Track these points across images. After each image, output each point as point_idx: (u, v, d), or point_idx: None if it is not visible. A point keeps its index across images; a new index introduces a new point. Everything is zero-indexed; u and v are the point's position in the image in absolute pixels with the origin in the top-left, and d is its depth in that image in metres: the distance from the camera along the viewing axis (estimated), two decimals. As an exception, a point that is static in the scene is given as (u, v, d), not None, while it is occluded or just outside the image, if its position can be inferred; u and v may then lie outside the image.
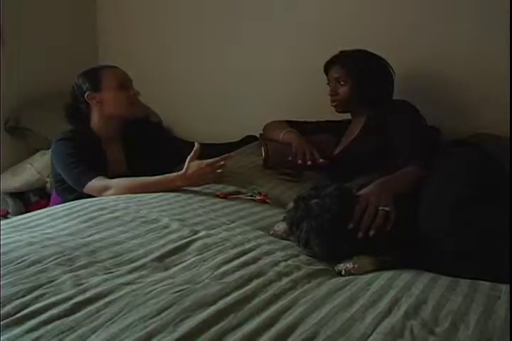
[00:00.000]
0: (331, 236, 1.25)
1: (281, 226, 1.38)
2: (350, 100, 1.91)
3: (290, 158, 1.87)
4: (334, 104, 1.96)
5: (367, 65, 1.90)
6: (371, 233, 1.26)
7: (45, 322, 0.86)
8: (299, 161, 1.85)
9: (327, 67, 1.98)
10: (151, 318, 0.88)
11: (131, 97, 1.85)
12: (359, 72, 1.88)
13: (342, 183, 1.42)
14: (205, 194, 1.69)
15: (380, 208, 1.30)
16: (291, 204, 1.38)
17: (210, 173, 1.69)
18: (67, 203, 1.53)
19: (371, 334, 0.88)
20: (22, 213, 1.78)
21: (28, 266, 1.06)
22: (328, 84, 1.99)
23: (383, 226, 1.28)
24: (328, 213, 1.25)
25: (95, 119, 1.88)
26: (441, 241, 1.27)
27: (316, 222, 1.25)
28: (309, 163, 1.84)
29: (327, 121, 2.12)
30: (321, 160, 1.85)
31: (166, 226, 1.35)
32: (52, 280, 1.01)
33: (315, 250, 1.25)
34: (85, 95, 1.84)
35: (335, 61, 1.95)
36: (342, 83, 1.90)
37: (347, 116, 2.06)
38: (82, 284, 1.00)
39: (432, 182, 1.44)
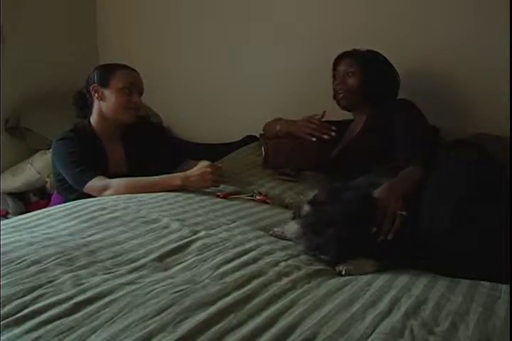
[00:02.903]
0: (351, 242, 1.23)
1: (291, 229, 1.37)
2: (357, 92, 1.93)
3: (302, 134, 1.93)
4: (340, 95, 1.96)
5: (376, 61, 1.94)
6: (390, 236, 1.26)
7: (45, 322, 0.86)
8: (313, 138, 1.91)
9: (337, 61, 2.01)
10: (151, 318, 0.88)
11: (130, 103, 1.84)
12: (368, 66, 1.92)
13: (358, 187, 1.39)
14: (205, 194, 1.69)
15: (398, 212, 1.31)
16: (306, 208, 1.35)
17: (210, 174, 1.69)
18: (67, 203, 1.53)
19: (371, 334, 0.88)
20: (22, 213, 1.78)
21: (28, 266, 1.06)
22: (333, 78, 2.01)
23: (401, 230, 1.28)
24: (349, 219, 1.24)
25: (94, 115, 1.89)
26: (441, 241, 1.27)
27: (338, 227, 1.23)
28: (325, 137, 1.90)
29: (328, 121, 2.12)
30: (333, 133, 1.90)
31: (166, 227, 1.36)
32: (52, 280, 1.01)
33: (331, 254, 1.23)
34: (91, 86, 1.85)
35: (346, 55, 1.99)
36: (350, 74, 1.94)
37: (348, 115, 2.06)
38: (82, 284, 1.00)
39: (432, 183, 1.44)
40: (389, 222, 1.29)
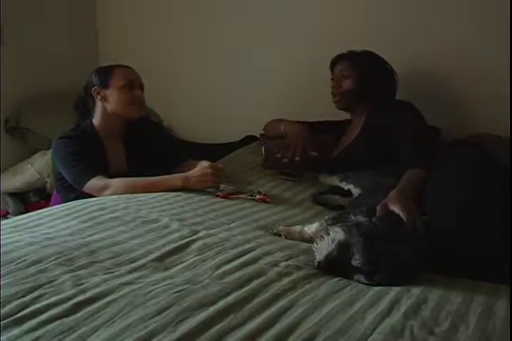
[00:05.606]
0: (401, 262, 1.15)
1: (312, 228, 1.34)
2: (352, 94, 1.93)
3: (276, 151, 1.90)
4: (336, 98, 1.98)
5: (372, 62, 1.94)
6: (421, 247, 1.21)
7: (45, 322, 0.86)
8: (278, 155, 1.89)
9: (333, 63, 2.01)
10: (151, 318, 0.88)
11: (134, 98, 1.85)
12: (364, 67, 1.92)
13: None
14: (205, 194, 1.69)
15: (424, 219, 1.30)
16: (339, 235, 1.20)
17: (210, 175, 1.69)
18: (67, 203, 1.53)
19: (371, 335, 0.88)
20: (22, 213, 1.78)
21: (28, 266, 1.06)
22: (332, 79, 2.00)
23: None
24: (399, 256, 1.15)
25: (98, 116, 1.89)
26: (442, 240, 1.27)
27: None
28: (285, 160, 1.88)
29: (327, 121, 2.13)
30: (297, 158, 1.87)
31: (166, 226, 1.36)
32: (52, 280, 1.01)
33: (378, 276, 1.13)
34: (92, 90, 1.85)
35: (342, 57, 1.99)
36: (346, 77, 1.94)
37: (346, 116, 2.06)
38: (82, 284, 1.00)
39: (433, 184, 1.44)
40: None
